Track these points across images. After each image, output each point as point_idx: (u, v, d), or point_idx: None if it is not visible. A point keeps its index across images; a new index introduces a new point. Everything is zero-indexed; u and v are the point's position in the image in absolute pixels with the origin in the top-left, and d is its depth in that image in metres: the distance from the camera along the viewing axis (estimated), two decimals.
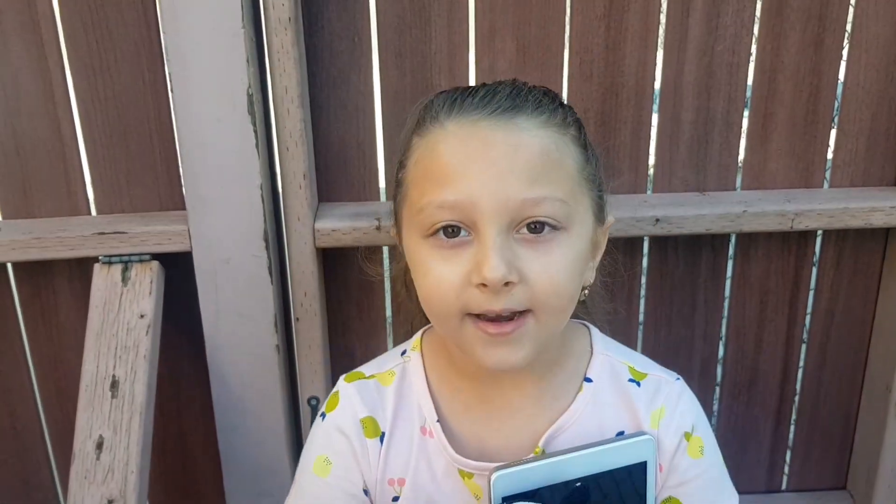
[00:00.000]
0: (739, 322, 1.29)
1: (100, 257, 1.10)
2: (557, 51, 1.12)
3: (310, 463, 0.85)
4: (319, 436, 0.86)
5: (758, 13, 1.13)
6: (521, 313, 0.74)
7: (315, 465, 0.84)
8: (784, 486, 1.40)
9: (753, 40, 1.14)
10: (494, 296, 0.72)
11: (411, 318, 0.98)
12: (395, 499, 0.84)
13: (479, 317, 0.74)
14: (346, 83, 1.12)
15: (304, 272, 1.12)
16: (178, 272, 1.14)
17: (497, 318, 0.74)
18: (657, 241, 1.23)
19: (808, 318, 1.30)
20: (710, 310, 1.27)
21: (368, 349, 1.25)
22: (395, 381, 0.87)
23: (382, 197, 1.18)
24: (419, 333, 0.91)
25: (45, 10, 1.05)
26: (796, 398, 1.35)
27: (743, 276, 1.26)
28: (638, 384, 0.86)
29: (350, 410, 0.85)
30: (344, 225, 1.10)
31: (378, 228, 1.10)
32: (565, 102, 0.84)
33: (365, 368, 0.90)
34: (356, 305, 1.23)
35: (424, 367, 0.87)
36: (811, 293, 1.29)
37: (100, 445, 0.99)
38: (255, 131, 1.04)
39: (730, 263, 1.26)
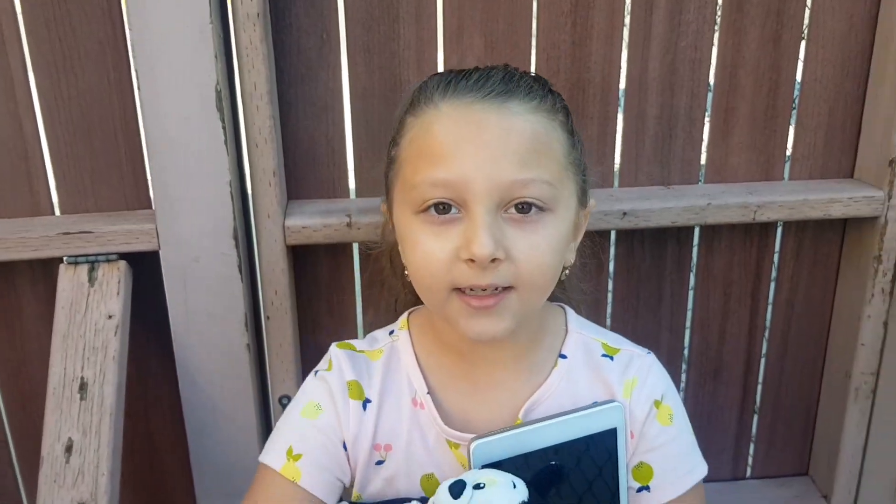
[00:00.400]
0: (704, 313, 1.31)
1: (65, 258, 1.08)
2: (525, 47, 1.14)
3: (298, 408, 0.88)
4: (312, 387, 0.89)
5: (719, 10, 1.16)
6: (505, 289, 0.78)
7: (304, 410, 0.87)
8: (748, 474, 1.44)
9: (715, 36, 1.17)
10: (482, 271, 0.76)
11: (395, 294, 1.02)
12: (380, 462, 0.88)
13: (465, 291, 0.78)
14: (315, 80, 1.12)
15: (274, 270, 1.11)
16: (145, 272, 1.13)
17: (482, 292, 0.77)
18: (624, 235, 1.25)
19: (769, 308, 1.33)
20: (676, 301, 1.30)
21: None
22: (384, 357, 0.91)
23: (352, 194, 1.18)
24: (405, 315, 0.95)
25: (6, 6, 1.03)
26: (759, 387, 1.38)
27: (707, 269, 1.28)
28: (611, 358, 0.91)
29: (338, 372, 0.88)
30: (314, 222, 1.10)
31: (349, 225, 1.10)
32: (553, 89, 0.87)
33: (356, 342, 0.94)
34: (326, 303, 1.23)
35: (413, 343, 0.91)
36: (772, 284, 1.32)
37: (69, 448, 0.97)
38: (224, 128, 1.03)
39: (694, 254, 1.29)
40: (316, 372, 0.91)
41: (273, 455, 0.86)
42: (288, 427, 0.88)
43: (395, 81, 1.13)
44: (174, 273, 1.09)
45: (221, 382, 1.15)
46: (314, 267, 1.20)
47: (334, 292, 1.22)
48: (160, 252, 1.08)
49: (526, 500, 0.73)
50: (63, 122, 1.07)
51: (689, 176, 1.23)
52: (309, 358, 1.24)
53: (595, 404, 0.84)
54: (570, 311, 0.95)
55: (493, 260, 0.76)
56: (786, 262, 1.31)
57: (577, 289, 1.02)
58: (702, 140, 1.22)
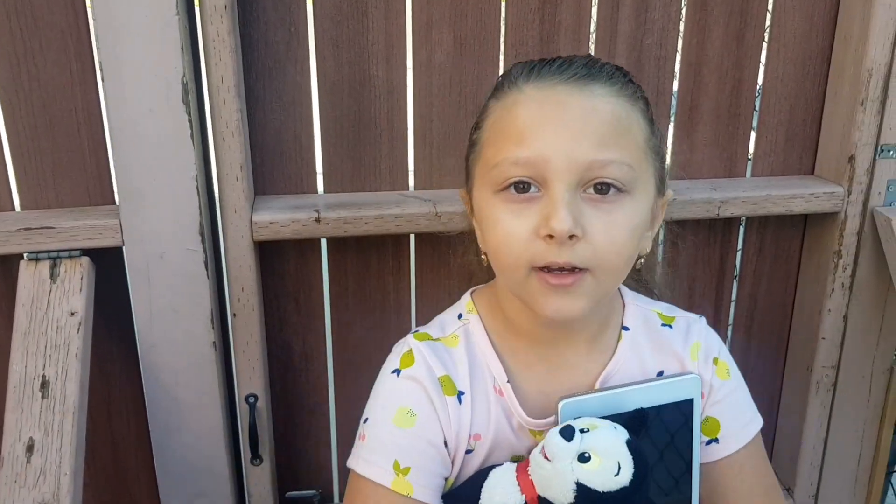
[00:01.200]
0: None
1: (25, 254, 1.05)
2: (493, 43, 1.14)
3: (389, 416, 0.86)
4: (398, 390, 0.87)
5: (683, 8, 1.17)
6: (581, 270, 0.78)
7: (396, 418, 0.85)
8: None
9: (680, 34, 1.19)
10: (559, 248, 0.77)
11: (470, 275, 1.02)
12: (469, 451, 0.87)
13: (543, 269, 0.78)
14: (283, 74, 1.11)
15: (241, 266, 1.10)
16: (109, 268, 1.10)
17: (559, 271, 0.78)
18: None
19: (732, 303, 1.35)
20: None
21: (307, 344, 1.24)
22: (461, 343, 0.90)
23: (320, 189, 1.17)
24: (468, 296, 0.95)
25: None
26: None
27: (671, 264, 1.30)
28: (670, 327, 0.94)
29: (426, 367, 0.87)
30: (282, 217, 1.09)
31: (317, 221, 1.09)
32: (634, 80, 0.88)
33: (429, 330, 0.92)
34: (294, 300, 1.21)
35: (486, 327, 0.91)
36: (735, 279, 1.34)
37: (30, 448, 0.95)
38: (190, 121, 1.02)
39: (660, 251, 1.30)
40: (397, 371, 0.88)
41: (379, 470, 0.84)
42: (384, 437, 0.85)
43: (364, 76, 1.12)
44: (138, 269, 1.07)
45: (187, 381, 1.13)
46: (281, 263, 1.19)
47: (302, 289, 1.21)
48: (124, 248, 1.06)
49: (629, 438, 0.77)
50: (24, 115, 1.05)
51: None
52: (276, 356, 1.23)
53: (675, 375, 0.88)
54: (622, 285, 0.96)
55: (571, 237, 0.76)
56: (749, 258, 1.33)
57: (660, 279, 1.07)
58: (667, 137, 1.24)
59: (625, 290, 0.96)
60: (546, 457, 0.77)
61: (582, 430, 0.77)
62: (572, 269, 0.78)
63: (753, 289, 1.34)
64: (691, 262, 1.30)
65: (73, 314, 1.03)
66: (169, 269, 1.08)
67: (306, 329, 1.23)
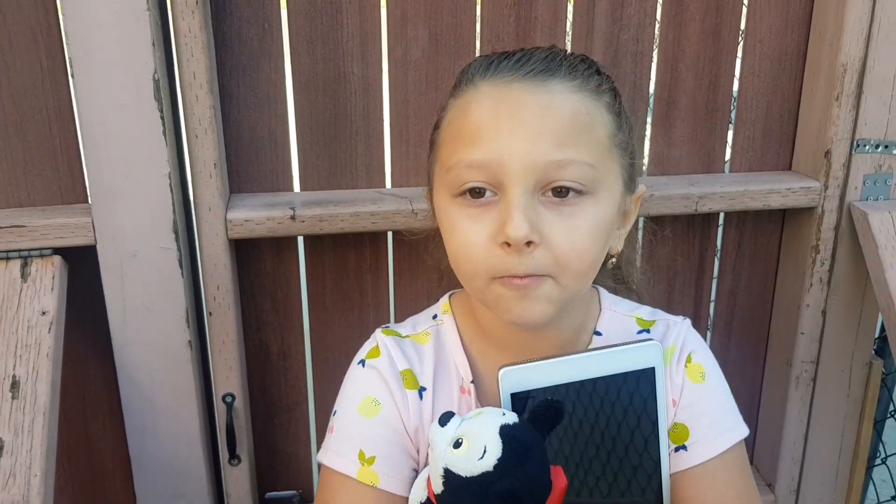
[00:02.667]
0: (649, 304, 1.32)
1: None
2: (469, 39, 1.14)
3: (354, 406, 0.85)
4: (363, 380, 0.87)
5: (659, 4, 1.17)
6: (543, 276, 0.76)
7: (362, 407, 0.85)
8: None
9: (656, 30, 1.19)
10: (518, 256, 0.74)
11: (441, 275, 1.01)
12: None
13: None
14: (257, 70, 1.10)
15: (216, 264, 1.09)
16: (82, 267, 1.09)
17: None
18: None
19: (712, 300, 1.35)
20: (622, 293, 1.31)
21: (285, 343, 1.23)
22: (431, 341, 0.90)
23: (296, 187, 1.16)
24: (446, 298, 0.95)
25: None
26: None
27: (650, 260, 1.30)
28: (647, 332, 0.90)
29: (389, 360, 0.87)
30: (257, 215, 1.08)
31: (293, 218, 1.08)
32: (602, 71, 0.85)
33: (399, 328, 0.92)
34: (270, 298, 1.21)
35: (458, 328, 0.90)
36: (715, 275, 1.34)
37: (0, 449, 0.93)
38: (163, 118, 1.01)
39: (639, 247, 1.30)
40: (363, 362, 0.88)
41: (344, 461, 0.83)
42: (350, 427, 0.85)
43: (339, 73, 1.12)
44: (112, 268, 1.06)
45: (163, 381, 1.12)
46: (257, 261, 1.18)
47: (278, 287, 1.20)
48: (97, 246, 1.05)
49: (508, 423, 0.71)
50: None
51: None
52: (253, 355, 1.22)
53: (630, 342, 0.82)
54: (603, 291, 0.94)
55: (529, 244, 0.74)
56: (728, 254, 1.33)
57: (637, 272, 1.03)
58: (644, 133, 1.23)
59: (605, 295, 0.94)
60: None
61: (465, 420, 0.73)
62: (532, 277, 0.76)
63: (733, 284, 1.34)
64: (670, 258, 1.30)
65: (44, 313, 1.01)
66: (142, 267, 1.06)
67: (284, 327, 1.23)
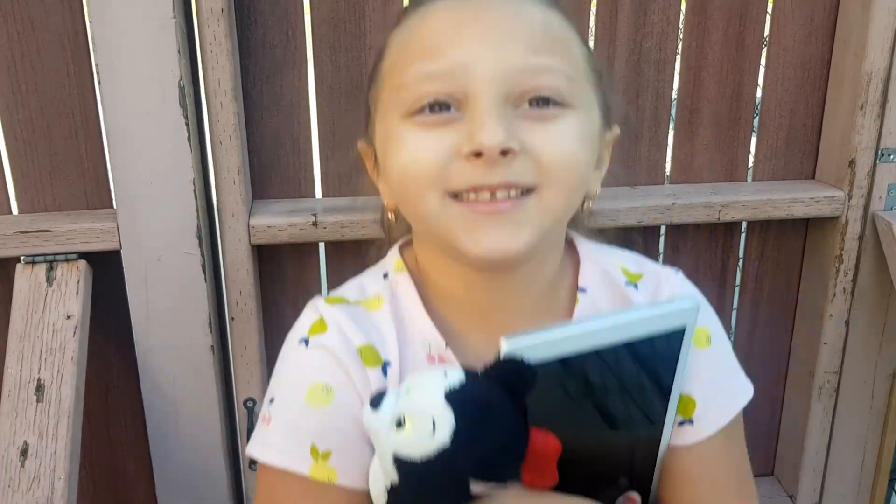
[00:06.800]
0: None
1: (22, 257, 1.05)
2: None
3: (300, 394, 0.70)
4: (309, 363, 0.72)
5: (682, 12, 1.17)
6: (522, 194, 0.64)
7: (310, 396, 0.70)
8: None
9: (679, 38, 1.18)
10: (489, 168, 0.61)
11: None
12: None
13: (464, 199, 0.64)
14: (280, 77, 1.11)
15: (238, 270, 1.09)
16: (107, 271, 1.10)
17: (490, 199, 0.64)
18: (591, 236, 1.25)
19: (734, 307, 1.35)
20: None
21: None
22: (386, 305, 0.74)
23: (318, 193, 1.17)
24: (396, 252, 0.79)
25: None
26: None
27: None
28: (635, 287, 0.78)
29: (341, 336, 0.71)
30: (280, 221, 1.09)
31: (315, 225, 1.09)
32: None
33: (344, 292, 0.77)
34: (292, 304, 1.21)
35: (417, 288, 0.75)
36: (737, 283, 1.33)
37: (24, 452, 0.94)
38: (188, 125, 1.02)
39: (660, 256, 1.29)
40: (306, 342, 0.73)
41: (293, 458, 0.70)
42: (297, 419, 0.71)
43: (362, 80, 1.12)
44: (136, 273, 1.07)
45: (184, 385, 1.13)
46: (279, 267, 1.19)
47: (300, 293, 1.20)
48: (121, 251, 1.06)
49: (458, 383, 0.59)
50: (21, 118, 1.05)
51: (654, 176, 1.24)
52: (274, 360, 1.21)
53: (663, 304, 0.71)
54: (576, 236, 0.81)
55: (505, 153, 0.61)
56: (750, 262, 1.32)
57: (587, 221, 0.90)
58: (667, 141, 1.23)
59: (579, 240, 0.80)
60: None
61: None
62: (509, 195, 0.63)
63: (755, 293, 1.34)
64: (693, 267, 1.29)
65: (69, 317, 1.02)
66: (166, 272, 1.07)
67: None
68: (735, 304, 1.34)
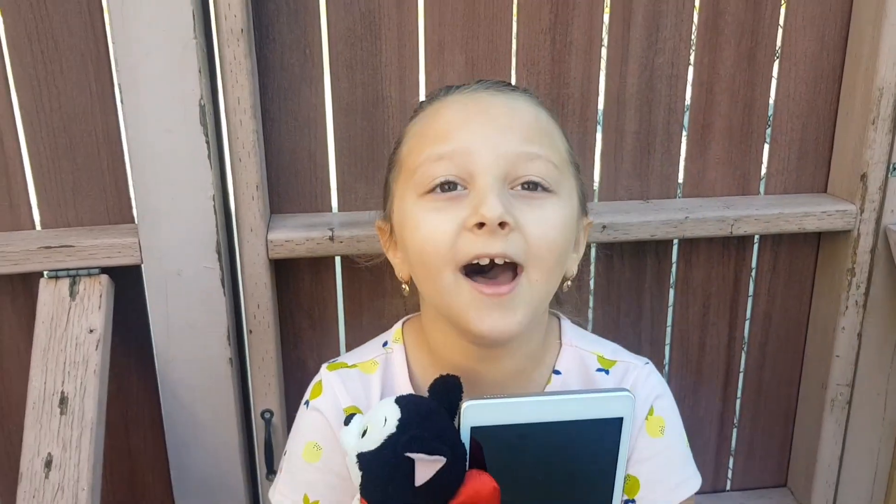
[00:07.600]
0: (683, 326, 1.33)
1: (45, 272, 1.07)
2: (505, 63, 1.15)
3: (299, 449, 0.86)
4: (306, 423, 0.87)
5: (695, 28, 1.18)
6: (514, 274, 0.74)
7: (305, 452, 0.85)
8: (728, 486, 1.45)
9: (691, 53, 1.19)
10: (491, 238, 0.72)
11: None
12: None
13: (475, 277, 0.74)
14: (298, 95, 1.13)
15: (256, 284, 1.11)
16: (128, 285, 1.12)
17: (493, 278, 0.74)
18: (603, 249, 1.26)
19: (747, 320, 1.35)
20: (656, 314, 1.31)
21: (322, 360, 1.24)
22: (379, 370, 0.87)
23: (335, 208, 1.19)
24: (399, 325, 0.92)
25: None
26: (738, 399, 1.40)
27: (686, 282, 1.30)
28: (606, 372, 0.87)
29: (332, 399, 0.85)
30: (297, 236, 1.10)
31: (331, 239, 1.11)
32: None
33: (347, 358, 0.91)
34: (308, 317, 1.23)
35: (407, 358, 0.88)
36: (750, 297, 1.34)
37: (48, 464, 0.96)
38: (208, 142, 1.04)
39: (673, 269, 1.30)
40: (307, 403, 0.87)
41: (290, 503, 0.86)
42: (296, 472, 0.86)
43: (378, 97, 1.14)
44: (156, 287, 1.09)
45: (203, 397, 1.14)
46: (296, 281, 1.20)
47: (316, 306, 1.22)
48: (142, 266, 1.08)
49: (407, 394, 0.74)
50: (45, 135, 1.07)
51: (667, 190, 1.25)
52: (291, 372, 1.24)
53: (603, 389, 0.80)
54: (566, 322, 0.92)
55: (503, 225, 0.72)
56: (763, 276, 1.33)
57: (574, 300, 1.00)
58: (679, 155, 1.24)
59: (567, 328, 0.90)
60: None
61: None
62: (505, 268, 0.74)
63: (768, 307, 1.34)
64: (705, 280, 1.30)
65: (91, 331, 1.04)
66: (186, 286, 1.09)
67: (321, 345, 1.25)
68: (748, 317, 1.35)
